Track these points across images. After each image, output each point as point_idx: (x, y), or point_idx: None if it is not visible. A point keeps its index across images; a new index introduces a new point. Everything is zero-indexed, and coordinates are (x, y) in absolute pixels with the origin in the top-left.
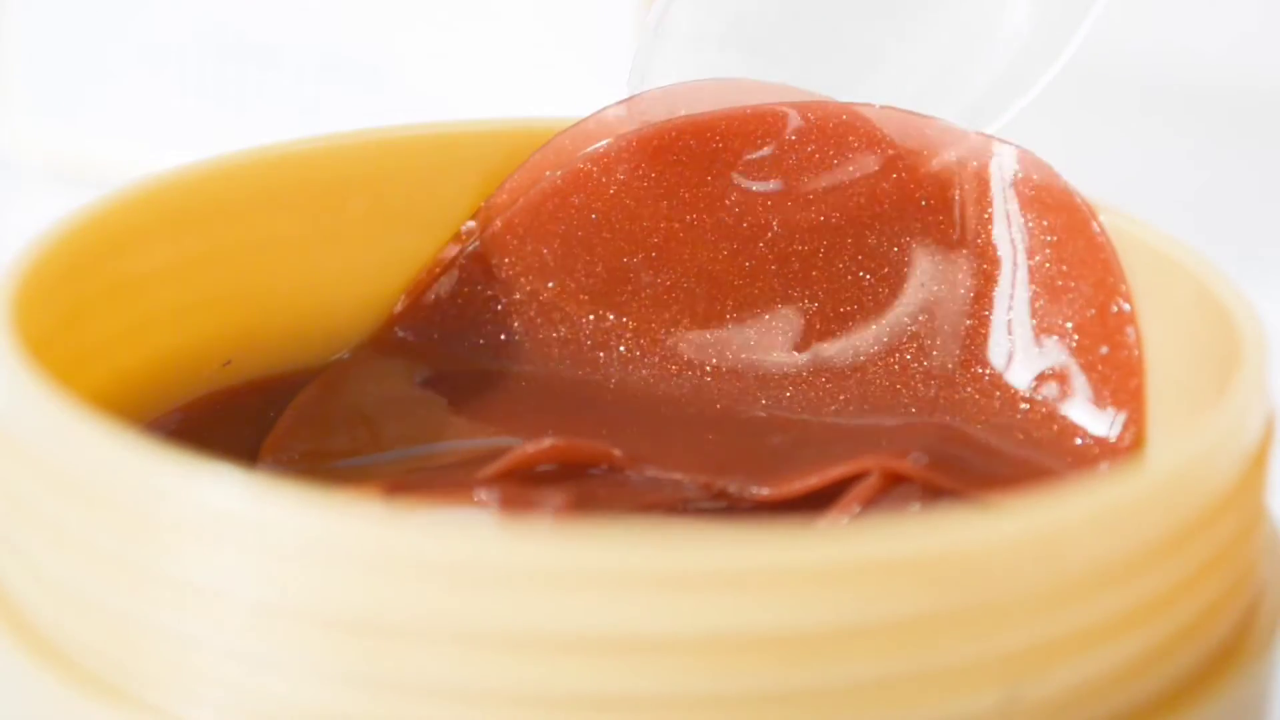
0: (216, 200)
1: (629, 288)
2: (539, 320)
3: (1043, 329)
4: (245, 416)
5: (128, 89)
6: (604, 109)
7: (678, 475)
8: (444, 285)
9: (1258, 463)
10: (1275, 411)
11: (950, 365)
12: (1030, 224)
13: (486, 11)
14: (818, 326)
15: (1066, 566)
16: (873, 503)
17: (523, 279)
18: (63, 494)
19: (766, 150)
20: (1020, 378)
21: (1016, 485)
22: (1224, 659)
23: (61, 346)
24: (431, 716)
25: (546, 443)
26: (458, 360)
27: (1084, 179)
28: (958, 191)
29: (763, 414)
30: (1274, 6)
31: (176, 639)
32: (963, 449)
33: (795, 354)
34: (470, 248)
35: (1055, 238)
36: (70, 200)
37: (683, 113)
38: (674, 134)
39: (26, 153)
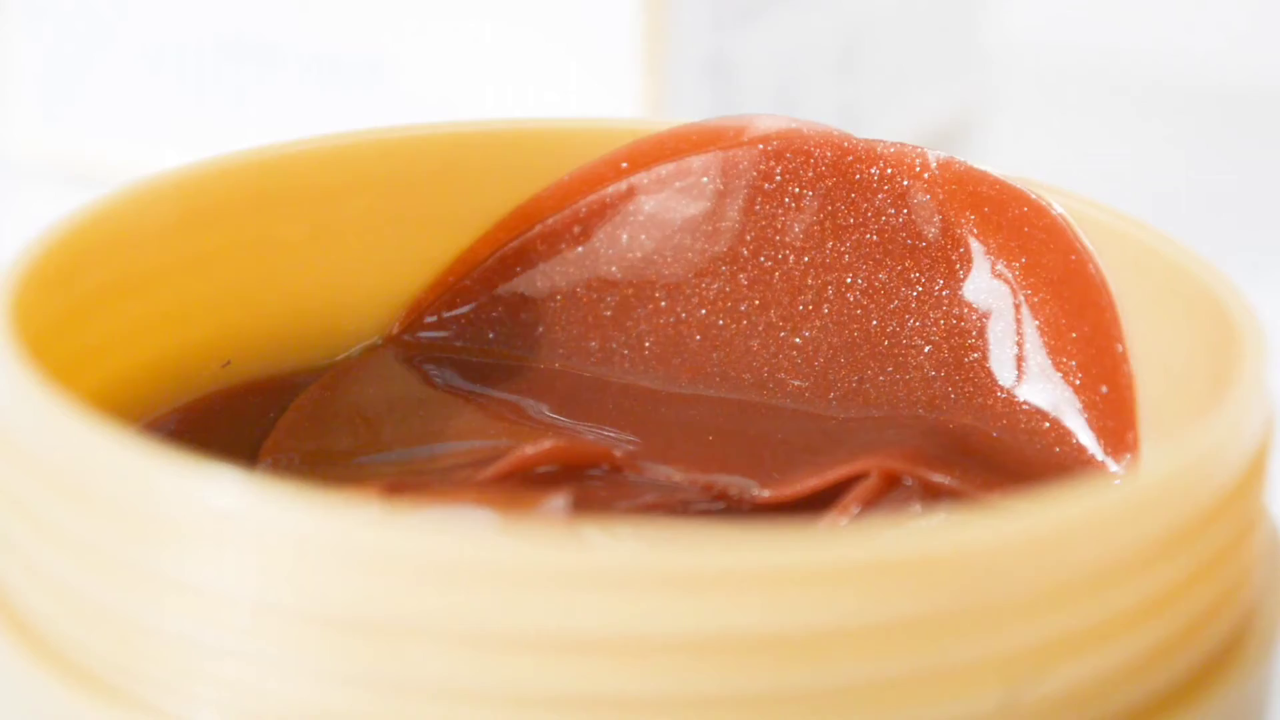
0: (216, 200)
1: (645, 302)
2: (544, 324)
3: (1045, 367)
4: (245, 416)
5: (128, 89)
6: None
7: (678, 476)
8: (453, 291)
9: (1257, 464)
10: (1275, 412)
11: (954, 395)
12: (1030, 263)
13: (488, 11)
14: (824, 348)
15: (1066, 567)
16: (872, 504)
17: (539, 284)
18: (62, 494)
19: (805, 191)
20: (1022, 411)
21: (1017, 486)
22: (1223, 660)
23: (61, 346)
24: (431, 716)
25: (546, 444)
26: (460, 362)
27: (1083, 179)
28: (960, 230)
29: (763, 416)
30: (1272, 4)
31: (176, 639)
32: (963, 450)
33: (798, 364)
34: (495, 255)
35: (1055, 277)
36: (70, 200)
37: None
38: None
39: (26, 153)
